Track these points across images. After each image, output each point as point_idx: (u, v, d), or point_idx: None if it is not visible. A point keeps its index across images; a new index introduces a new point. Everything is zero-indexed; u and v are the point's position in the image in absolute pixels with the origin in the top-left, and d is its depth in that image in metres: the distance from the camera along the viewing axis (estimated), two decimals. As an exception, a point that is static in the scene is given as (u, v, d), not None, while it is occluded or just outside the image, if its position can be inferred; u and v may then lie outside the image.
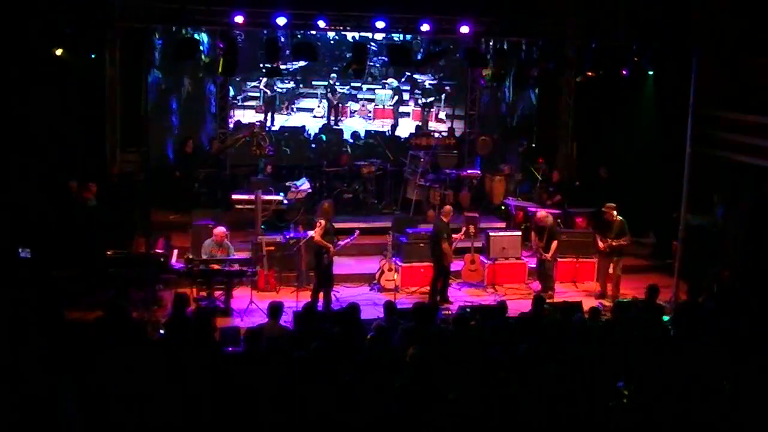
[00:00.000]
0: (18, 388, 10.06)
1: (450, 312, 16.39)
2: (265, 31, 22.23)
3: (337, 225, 18.70)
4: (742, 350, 12.57)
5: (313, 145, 25.85)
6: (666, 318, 15.56)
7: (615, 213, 19.54)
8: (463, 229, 19.85)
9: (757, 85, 20.55)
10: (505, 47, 23.57)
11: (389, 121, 27.29)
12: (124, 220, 19.68)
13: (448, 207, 19.64)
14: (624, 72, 21.46)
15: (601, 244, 19.61)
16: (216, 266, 17.54)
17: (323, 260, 17.81)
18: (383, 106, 27.45)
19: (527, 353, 11.63)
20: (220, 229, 18.16)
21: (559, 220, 21.39)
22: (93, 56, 20.83)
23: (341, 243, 18.42)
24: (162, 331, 14.12)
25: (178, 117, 24.95)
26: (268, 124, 26.13)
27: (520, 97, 27.42)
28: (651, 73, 21.77)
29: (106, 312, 13.40)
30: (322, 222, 17.91)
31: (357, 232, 19.14)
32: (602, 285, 19.84)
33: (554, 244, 19.64)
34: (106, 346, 11.89)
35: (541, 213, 20.23)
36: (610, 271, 19.69)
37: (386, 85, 27.27)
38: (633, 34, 21.83)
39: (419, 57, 24.94)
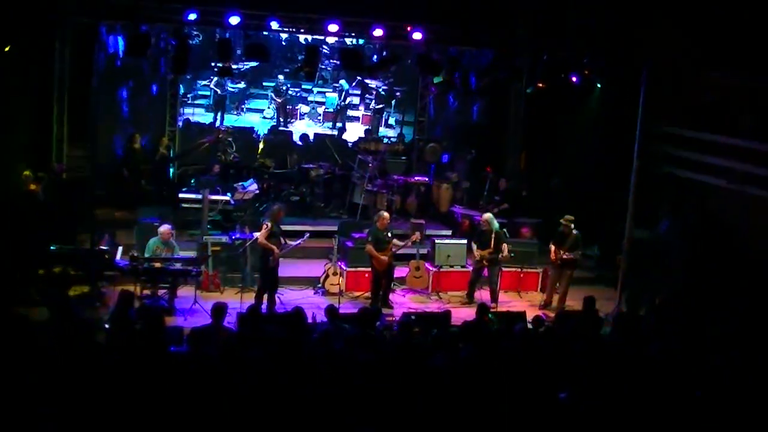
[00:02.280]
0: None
1: (393, 318, 16.42)
2: (218, 31, 22.22)
3: (284, 227, 18.66)
4: (681, 363, 12.70)
5: (261, 146, 25.80)
6: (606, 330, 15.68)
7: (572, 226, 19.63)
8: (413, 236, 19.84)
9: (703, 102, 20.80)
10: (457, 55, 23.60)
11: (338, 124, 27.29)
12: (69, 215, 19.54)
13: (385, 213, 19.61)
14: (574, 80, 21.59)
15: (553, 256, 19.69)
16: (161, 265, 17.45)
17: (268, 262, 17.79)
18: (333, 109, 27.45)
19: (467, 360, 11.70)
20: (166, 227, 18.08)
21: (504, 230, 21.46)
22: (43, 51, 20.66)
23: (291, 244, 18.39)
24: (107, 326, 13.99)
25: (126, 113, 24.71)
26: (218, 123, 26.03)
27: (469, 106, 27.47)
28: (599, 85, 21.91)
29: (51, 310, 13.32)
30: (268, 224, 17.89)
31: (307, 234, 19.13)
32: (548, 295, 19.94)
33: (505, 246, 19.69)
34: (53, 345, 11.78)
35: (486, 215, 20.19)
36: (558, 283, 19.79)
37: (336, 88, 27.27)
38: (583, 46, 21.99)
39: (371, 62, 24.89)
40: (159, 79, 24.49)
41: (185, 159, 23.71)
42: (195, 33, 24.55)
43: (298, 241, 18.76)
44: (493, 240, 19.64)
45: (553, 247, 19.75)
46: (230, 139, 24.01)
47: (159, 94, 24.64)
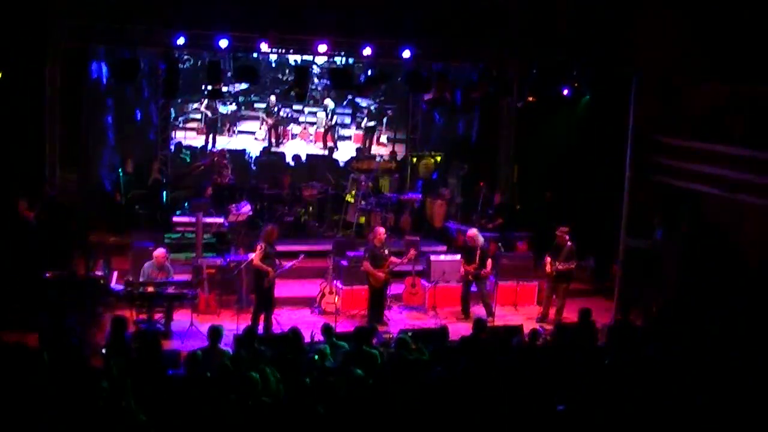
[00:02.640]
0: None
1: (391, 335, 16.40)
2: (206, 54, 22.25)
3: (278, 248, 18.63)
4: (677, 373, 12.71)
5: (254, 167, 25.75)
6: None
7: (567, 237, 19.64)
8: (409, 253, 19.84)
9: (694, 111, 20.83)
10: (445, 71, 23.64)
11: (329, 144, 27.31)
12: (62, 240, 19.52)
13: (380, 229, 19.62)
14: (565, 92, 21.62)
15: (548, 268, 19.67)
16: (156, 289, 17.43)
17: (263, 284, 17.78)
18: (322, 128, 27.48)
19: (464, 374, 11.71)
20: (161, 251, 18.07)
21: (499, 244, 21.48)
22: (34, 76, 20.67)
23: (286, 265, 18.37)
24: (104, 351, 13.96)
25: (117, 137, 24.71)
26: (210, 146, 26.04)
27: (460, 121, 27.49)
28: (588, 96, 21.94)
29: (41, 339, 13.31)
30: (262, 245, 17.88)
31: (302, 256, 19.12)
32: (545, 308, 19.94)
33: (489, 261, 19.72)
34: (45, 373, 11.76)
35: (472, 231, 20.26)
36: (555, 295, 19.79)
37: (325, 107, 27.29)
38: (572, 58, 22.03)
39: (361, 80, 24.89)
40: (148, 102, 24.52)
41: (180, 182, 23.67)
42: (186, 57, 24.61)
43: (292, 263, 18.74)
44: (478, 255, 19.67)
45: (548, 260, 19.74)
46: (226, 161, 23.97)
47: (149, 118, 24.65)
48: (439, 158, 26.62)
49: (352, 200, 23.92)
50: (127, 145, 24.51)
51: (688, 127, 20.79)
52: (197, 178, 23.66)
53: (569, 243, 19.57)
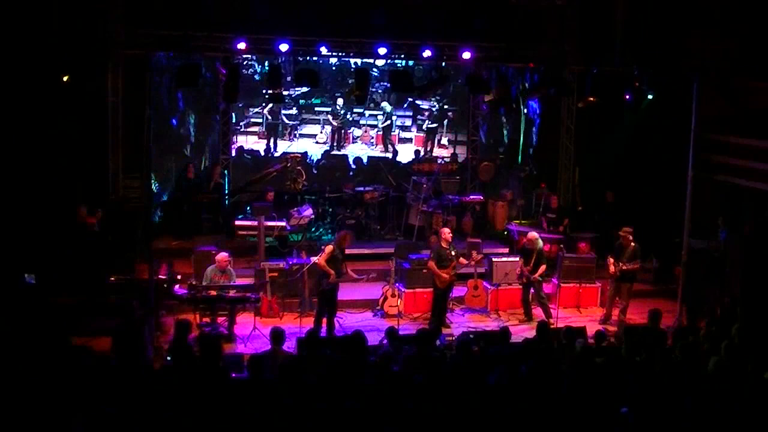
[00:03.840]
0: (25, 417, 10.04)
1: (453, 337, 16.38)
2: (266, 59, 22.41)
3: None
4: (740, 374, 12.56)
5: (315, 171, 25.81)
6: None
7: (631, 238, 19.50)
8: (475, 255, 19.81)
9: (755, 108, 20.60)
10: (507, 73, 23.58)
11: (389, 146, 27.35)
12: (126, 246, 19.71)
13: (446, 229, 19.58)
14: (627, 97, 21.46)
15: (612, 269, 19.53)
16: (218, 292, 17.54)
17: (323, 285, 17.82)
18: (379, 131, 27.51)
19: (528, 376, 11.66)
20: (223, 255, 18.17)
21: (562, 245, 21.35)
22: (97, 82, 20.88)
23: (353, 276, 18.42)
24: (168, 358, 14.07)
25: (180, 143, 24.96)
26: (271, 150, 26.18)
27: (521, 123, 27.40)
28: (650, 97, 21.74)
29: (114, 344, 13.46)
30: (330, 247, 17.93)
31: (371, 275, 19.26)
32: (608, 309, 19.81)
33: (542, 267, 19.63)
34: (118, 375, 11.87)
35: (532, 234, 20.20)
36: (617, 296, 19.67)
37: (382, 110, 27.33)
38: (631, 59, 21.88)
39: (421, 83, 24.86)
40: (210, 107, 24.74)
41: (251, 188, 23.71)
42: (250, 62, 24.78)
43: (360, 277, 18.80)
44: (534, 258, 19.59)
45: (611, 260, 19.60)
46: (299, 167, 24.01)
47: (212, 123, 24.85)
48: (500, 161, 26.60)
49: (414, 203, 23.88)
50: (194, 150, 24.80)
51: (750, 126, 20.56)
52: (268, 183, 23.71)
53: (633, 243, 19.42)
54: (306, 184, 23.79)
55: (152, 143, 20.44)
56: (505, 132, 27.78)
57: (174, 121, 24.71)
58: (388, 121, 27.32)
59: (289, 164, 23.73)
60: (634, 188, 23.73)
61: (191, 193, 22.95)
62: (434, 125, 27.59)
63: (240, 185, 23.98)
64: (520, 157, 27.29)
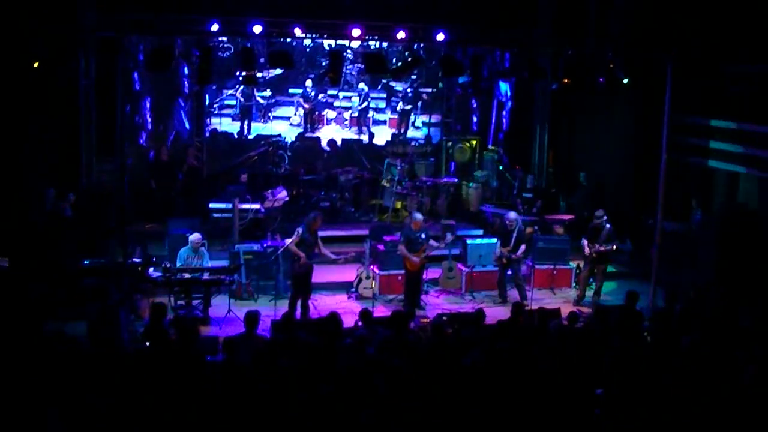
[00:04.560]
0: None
1: (428, 319, 16.41)
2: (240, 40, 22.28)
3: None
4: (716, 357, 12.65)
5: (289, 153, 25.76)
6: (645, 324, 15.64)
7: (605, 218, 19.59)
8: (446, 237, 19.84)
9: (728, 91, 20.72)
10: (481, 55, 23.56)
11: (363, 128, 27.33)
12: (99, 229, 19.64)
13: (418, 215, 19.54)
14: (600, 80, 21.48)
15: (587, 250, 19.61)
16: (193, 275, 17.50)
17: (295, 268, 17.82)
18: (355, 112, 27.47)
19: (503, 357, 11.70)
20: (196, 236, 18.15)
21: (536, 227, 21.41)
22: (68, 66, 20.74)
23: (330, 255, 18.41)
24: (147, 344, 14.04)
25: (152, 126, 24.81)
26: (245, 133, 26.12)
27: (496, 105, 27.42)
28: (626, 81, 21.79)
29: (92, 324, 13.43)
30: (300, 231, 17.91)
31: (343, 257, 19.29)
32: (582, 290, 19.89)
33: (522, 246, 19.66)
34: (94, 359, 11.85)
35: (512, 214, 20.20)
36: (591, 278, 19.76)
37: (360, 91, 27.28)
38: (605, 42, 21.91)
39: (395, 65, 24.83)
40: (183, 89, 24.62)
41: (234, 172, 23.64)
42: (226, 45, 24.68)
43: (335, 257, 18.79)
44: (513, 239, 19.62)
45: (585, 242, 19.68)
46: (281, 151, 23.93)
47: (185, 105, 24.73)
48: (474, 142, 26.61)
49: (388, 185, 23.90)
50: (165, 133, 24.66)
51: (724, 109, 20.68)
52: (253, 165, 23.64)
53: (607, 225, 19.51)
54: (288, 168, 23.71)
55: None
56: (475, 115, 27.73)
57: (126, 107, 24.07)
58: (365, 103, 27.27)
59: (270, 148, 23.70)
60: (608, 170, 23.80)
61: (164, 175, 22.87)
62: (408, 107, 27.57)
63: (221, 169, 23.92)
64: (491, 140, 27.29)
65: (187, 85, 24.67)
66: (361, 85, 27.22)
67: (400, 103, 27.58)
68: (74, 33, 20.31)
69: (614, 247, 19.59)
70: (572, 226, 22.13)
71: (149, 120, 24.66)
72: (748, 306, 17.08)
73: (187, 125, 24.96)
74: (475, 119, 27.72)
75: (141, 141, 24.33)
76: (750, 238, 19.72)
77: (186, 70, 24.22)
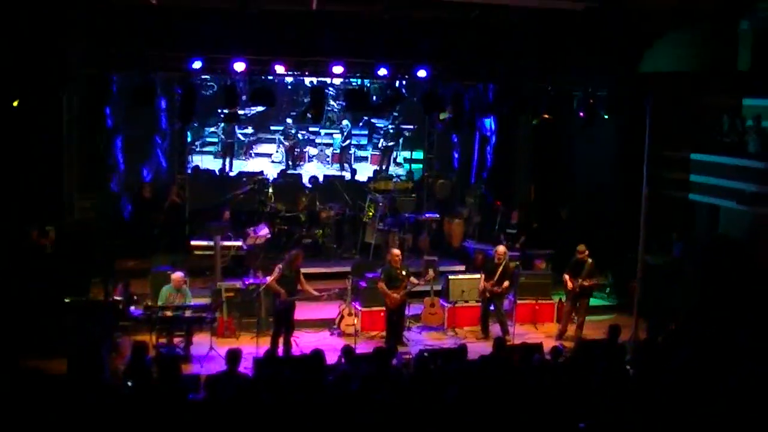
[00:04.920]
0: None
1: (410, 355, 16.39)
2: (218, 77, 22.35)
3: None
4: (700, 387, 12.67)
5: (272, 190, 25.72)
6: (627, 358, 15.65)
7: (587, 253, 19.63)
8: (428, 274, 19.85)
9: (707, 124, 20.91)
10: (462, 91, 23.65)
11: (345, 164, 27.36)
12: (81, 266, 19.57)
13: (395, 251, 19.60)
14: (581, 114, 21.58)
15: (570, 284, 19.61)
16: (174, 313, 17.45)
17: (276, 305, 17.79)
18: (338, 149, 27.50)
19: (486, 393, 11.70)
20: (178, 275, 18.10)
21: (518, 263, 21.43)
22: (51, 102, 20.71)
23: (313, 292, 18.40)
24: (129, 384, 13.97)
25: (136, 161, 24.71)
26: (227, 169, 26.12)
27: (477, 141, 27.48)
28: (606, 117, 21.90)
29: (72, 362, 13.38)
30: (281, 267, 17.90)
31: (325, 294, 19.16)
32: (564, 325, 19.89)
33: (506, 283, 19.67)
34: (73, 396, 11.80)
35: (501, 248, 20.21)
36: (573, 312, 19.78)
37: (343, 129, 27.34)
38: (587, 76, 22.04)
39: (377, 101, 24.88)
40: (160, 126, 24.58)
41: (217, 209, 23.64)
42: (209, 83, 24.74)
43: (320, 294, 18.81)
44: (498, 273, 19.63)
45: (567, 277, 19.71)
46: (268, 190, 23.94)
47: (161, 143, 24.70)
48: (455, 178, 26.71)
49: (370, 221, 23.90)
50: (149, 169, 24.60)
51: (704, 141, 20.85)
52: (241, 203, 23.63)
53: (590, 260, 19.56)
54: (274, 206, 23.71)
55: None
56: (456, 152, 27.77)
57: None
58: (348, 141, 27.33)
59: (256, 186, 23.71)
60: (589, 205, 23.86)
61: (147, 212, 22.84)
62: (390, 144, 27.64)
63: (206, 207, 23.89)
64: (473, 176, 27.35)
65: (165, 120, 24.55)
66: (345, 122, 27.29)
67: (381, 140, 27.64)
68: (59, 69, 20.32)
69: (598, 281, 19.64)
70: (554, 260, 22.17)
71: (121, 160, 24.44)
72: (734, 333, 17.11)
73: (164, 163, 24.83)
74: (456, 155, 27.75)
75: (112, 185, 24.07)
76: (733, 268, 19.82)
77: (163, 104, 24.02)
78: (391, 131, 27.55)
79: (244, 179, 24.98)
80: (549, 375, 13.19)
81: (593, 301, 20.50)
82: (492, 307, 19.83)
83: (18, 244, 19.27)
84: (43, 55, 19.79)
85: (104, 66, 20.71)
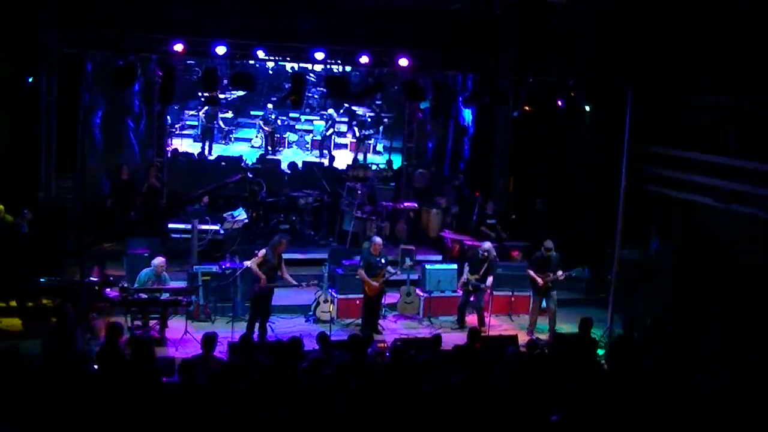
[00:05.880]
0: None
1: (385, 344, 16.39)
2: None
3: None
4: (674, 383, 12.72)
5: (250, 175, 25.69)
6: (601, 351, 15.69)
7: (551, 249, 19.63)
8: (405, 263, 19.86)
9: (689, 122, 20.92)
10: (443, 81, 23.64)
11: (324, 152, 27.32)
12: (57, 247, 19.49)
13: (378, 240, 19.58)
14: (559, 103, 21.57)
15: (540, 281, 19.60)
16: (150, 295, 17.39)
17: (255, 289, 17.76)
18: (320, 136, 27.46)
19: (459, 386, 11.70)
20: (160, 260, 17.97)
21: (495, 254, 21.46)
22: (29, 81, 20.60)
23: (291, 281, 18.25)
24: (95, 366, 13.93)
25: (108, 143, 24.55)
26: (206, 153, 26.05)
27: (455, 130, 27.49)
28: (587, 108, 21.92)
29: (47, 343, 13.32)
30: (263, 252, 17.85)
31: (304, 284, 18.90)
32: (533, 318, 19.88)
33: (491, 278, 19.69)
34: (47, 378, 11.76)
35: (487, 244, 20.19)
36: (544, 305, 19.79)
37: (324, 116, 27.29)
38: (568, 69, 22.07)
39: (357, 88, 24.84)
40: (132, 109, 24.44)
41: (205, 196, 23.59)
42: (195, 69, 24.64)
43: (298, 283, 18.54)
44: (484, 268, 19.64)
45: (532, 273, 19.67)
46: (260, 179, 23.88)
47: (147, 125, 24.58)
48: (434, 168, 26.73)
49: (348, 209, 23.87)
50: (127, 152, 24.46)
51: (683, 138, 20.88)
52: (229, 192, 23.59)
53: (554, 254, 19.55)
54: (264, 196, 23.64)
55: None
56: (431, 142, 27.76)
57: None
58: (332, 129, 27.30)
59: (250, 174, 23.66)
60: (567, 197, 23.91)
61: (125, 194, 22.76)
62: (368, 132, 27.61)
63: (194, 195, 23.80)
64: (446, 166, 27.37)
65: (137, 103, 24.40)
66: (330, 111, 27.25)
67: (356, 129, 27.57)
68: (36, 50, 20.22)
69: (571, 273, 19.65)
70: (530, 252, 22.19)
71: (99, 141, 24.31)
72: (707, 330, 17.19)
73: (136, 146, 24.65)
74: (430, 146, 27.75)
75: (90, 165, 23.93)
76: (709, 265, 19.90)
77: (136, 87, 23.72)
78: (369, 120, 27.50)
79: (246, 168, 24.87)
80: (522, 367, 13.21)
81: (568, 295, 20.53)
82: (472, 299, 19.84)
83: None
84: (21, 35, 19.70)
85: (82, 47, 20.62)
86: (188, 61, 24.08)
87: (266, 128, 26.73)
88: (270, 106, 26.63)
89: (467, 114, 26.82)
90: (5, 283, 17.55)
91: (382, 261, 19.12)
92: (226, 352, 15.08)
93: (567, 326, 19.26)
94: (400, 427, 10.45)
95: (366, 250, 19.60)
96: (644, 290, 20.24)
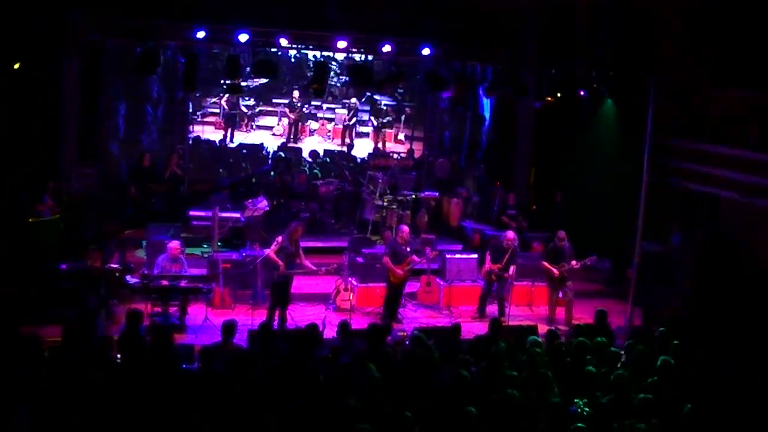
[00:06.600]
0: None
1: (405, 333, 16.40)
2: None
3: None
4: (693, 377, 12.70)
5: (271, 162, 25.71)
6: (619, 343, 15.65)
7: (564, 239, 19.61)
8: (429, 253, 19.85)
9: (712, 115, 20.79)
10: (465, 71, 23.61)
11: (347, 140, 27.31)
12: (78, 233, 19.54)
13: (405, 227, 19.55)
14: (582, 94, 21.48)
15: (555, 272, 19.56)
16: (170, 282, 17.42)
17: (274, 277, 17.76)
18: (342, 125, 27.43)
19: (479, 375, 11.71)
20: (175, 244, 18.05)
21: (516, 245, 21.44)
22: (51, 69, 20.63)
23: (310, 266, 18.30)
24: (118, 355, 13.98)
25: (135, 131, 24.65)
26: (228, 141, 26.07)
27: (479, 121, 27.45)
28: (609, 100, 21.83)
29: (68, 329, 13.37)
30: (280, 239, 17.86)
31: (324, 269, 18.78)
32: (552, 310, 19.87)
33: (513, 267, 19.66)
34: (68, 365, 11.81)
35: (512, 234, 20.16)
36: (560, 296, 19.77)
37: (346, 105, 27.25)
38: (591, 61, 21.99)
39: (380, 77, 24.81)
40: (152, 95, 24.47)
41: (236, 188, 23.64)
42: (219, 55, 24.67)
43: (315, 269, 18.46)
44: (506, 258, 19.60)
45: (546, 264, 19.65)
46: (295, 170, 23.97)
47: (168, 112, 24.61)
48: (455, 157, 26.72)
49: (369, 197, 23.87)
50: (149, 139, 24.53)
51: (706, 132, 20.75)
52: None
53: (568, 244, 19.55)
54: (297, 186, 23.71)
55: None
56: (447, 132, 27.73)
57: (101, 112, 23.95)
58: (355, 119, 27.28)
59: (278, 165, 23.72)
60: (588, 190, 23.83)
61: (146, 181, 22.81)
62: (386, 120, 27.54)
63: (231, 182, 23.87)
64: (462, 156, 27.35)
65: (156, 89, 24.43)
66: (353, 100, 27.22)
67: (373, 118, 27.50)
68: (59, 35, 20.24)
69: (585, 262, 19.61)
70: (548, 243, 22.15)
71: (122, 128, 24.45)
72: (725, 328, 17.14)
73: (155, 133, 24.67)
74: (447, 135, 27.72)
75: (112, 148, 24.08)
76: (730, 260, 19.78)
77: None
78: (392, 108, 27.44)
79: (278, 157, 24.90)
80: (541, 357, 13.19)
81: (587, 286, 20.48)
82: (494, 287, 19.81)
83: (14, 210, 19.25)
84: (45, 20, 19.72)
85: (105, 33, 20.65)
86: (214, 50, 23.99)
87: (291, 116, 26.68)
88: (296, 93, 26.58)
89: (486, 104, 26.77)
90: (26, 270, 17.61)
91: (408, 249, 19.10)
92: (246, 339, 15.10)
93: (585, 317, 19.22)
94: (417, 416, 10.45)
95: (390, 239, 19.60)
96: (665, 284, 20.15)
